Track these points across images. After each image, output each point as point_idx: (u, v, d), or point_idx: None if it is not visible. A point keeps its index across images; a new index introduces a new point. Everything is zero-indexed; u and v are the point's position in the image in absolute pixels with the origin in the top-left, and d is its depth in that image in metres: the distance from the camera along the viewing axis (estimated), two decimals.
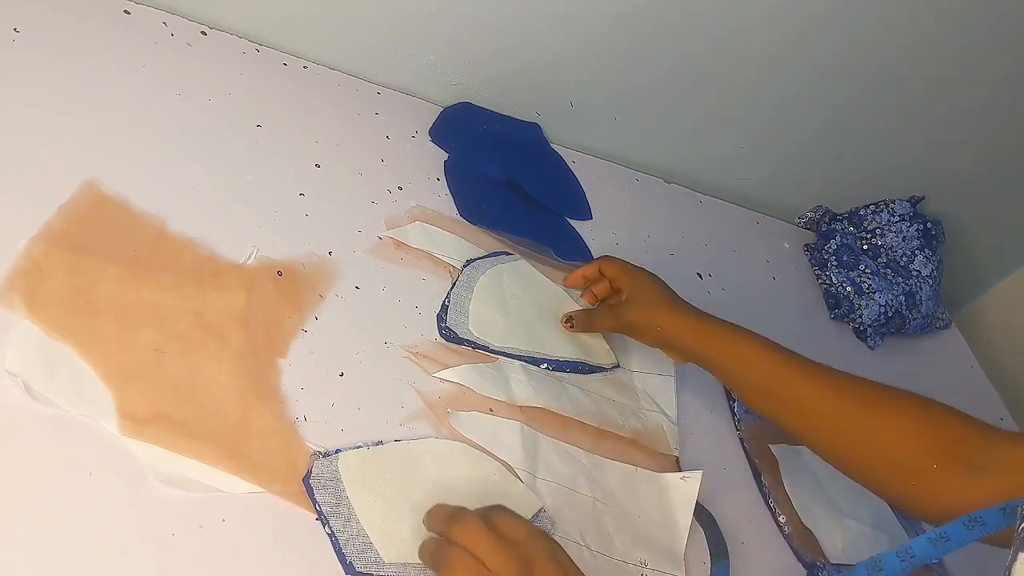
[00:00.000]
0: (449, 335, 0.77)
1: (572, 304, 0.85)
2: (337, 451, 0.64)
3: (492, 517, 0.57)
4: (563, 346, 0.82)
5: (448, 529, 0.57)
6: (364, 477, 0.63)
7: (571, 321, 0.82)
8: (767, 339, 0.74)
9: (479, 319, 0.79)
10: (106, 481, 0.55)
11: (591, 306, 0.85)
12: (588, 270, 0.84)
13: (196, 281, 0.67)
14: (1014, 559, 0.44)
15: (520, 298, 0.83)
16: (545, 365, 0.79)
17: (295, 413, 0.65)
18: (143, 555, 0.54)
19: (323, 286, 0.73)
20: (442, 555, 0.56)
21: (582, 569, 0.68)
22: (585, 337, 0.84)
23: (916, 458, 0.63)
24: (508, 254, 0.87)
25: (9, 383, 0.56)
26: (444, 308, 0.78)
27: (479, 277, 0.82)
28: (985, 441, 0.62)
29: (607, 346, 0.84)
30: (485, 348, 0.77)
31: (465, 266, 0.82)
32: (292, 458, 0.62)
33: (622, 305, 0.80)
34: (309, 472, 0.61)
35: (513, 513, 0.59)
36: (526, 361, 0.78)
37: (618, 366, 0.84)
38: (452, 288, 0.80)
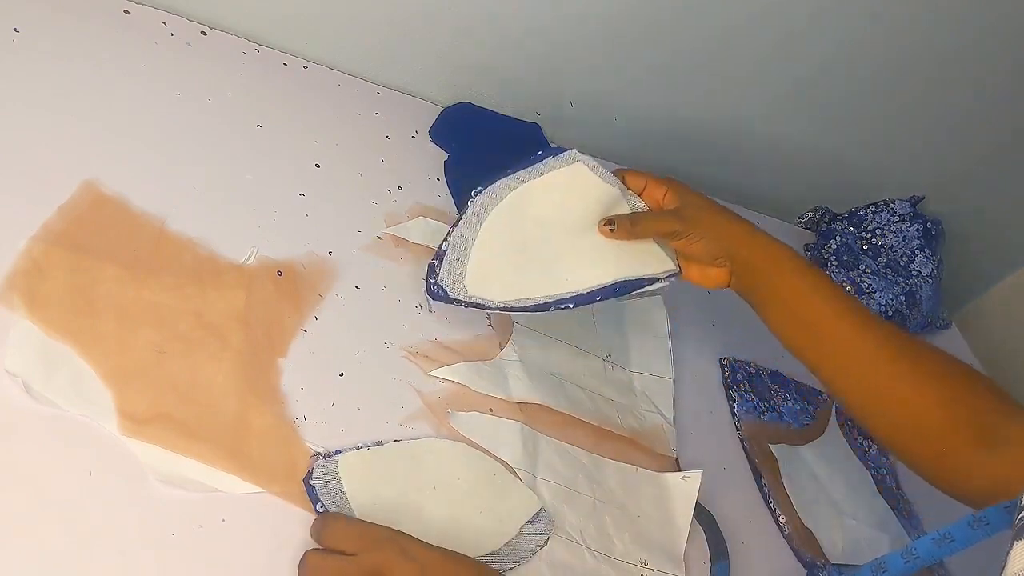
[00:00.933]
0: (438, 292, 0.69)
1: (624, 208, 0.74)
2: (337, 452, 0.64)
3: (323, 537, 0.57)
4: (604, 268, 0.71)
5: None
6: (364, 478, 0.63)
7: (612, 225, 0.71)
8: (825, 277, 0.72)
9: (478, 270, 0.69)
10: (106, 481, 0.55)
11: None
12: (656, 188, 0.75)
13: (196, 281, 0.67)
14: (1011, 546, 0.44)
15: (551, 225, 0.72)
16: (566, 305, 0.68)
17: (295, 413, 0.65)
18: (143, 555, 0.54)
19: (323, 286, 0.73)
20: None
21: (582, 570, 0.68)
22: (633, 245, 0.73)
23: (948, 424, 0.63)
24: (559, 151, 0.75)
25: (9, 383, 0.56)
26: (439, 255, 0.70)
27: (491, 210, 0.71)
28: (1014, 415, 0.62)
29: (662, 251, 0.74)
30: (481, 306, 0.69)
31: (477, 194, 0.72)
32: (292, 458, 0.62)
33: (678, 207, 0.73)
34: (310, 473, 0.61)
35: (346, 521, 0.59)
36: (539, 310, 0.69)
37: (678, 272, 0.74)
38: (453, 227, 0.71)
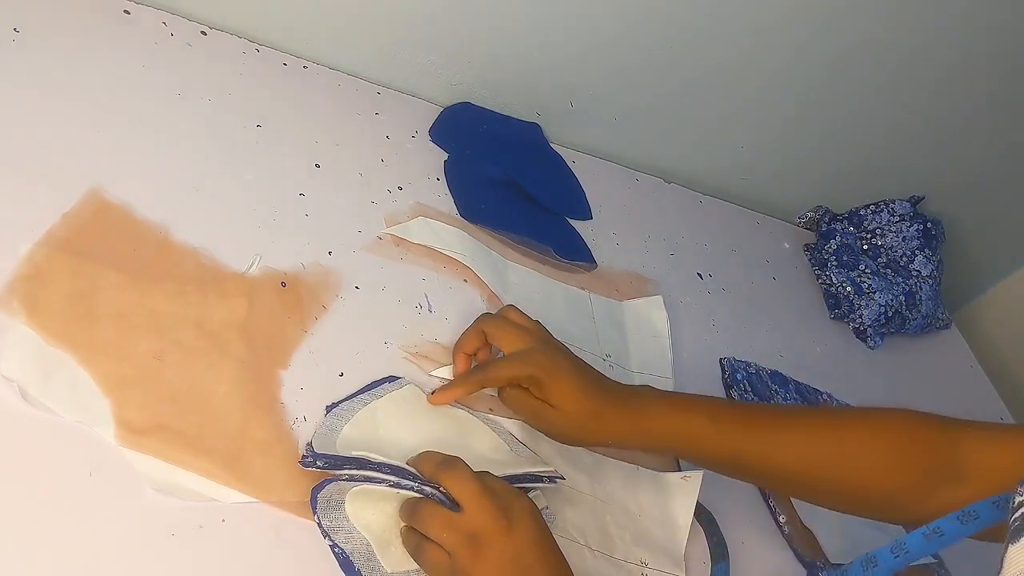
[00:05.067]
0: (315, 455, 0.62)
1: (480, 429, 0.70)
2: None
3: (481, 474, 0.60)
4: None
5: (439, 473, 0.59)
6: (366, 494, 0.62)
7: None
8: (704, 401, 0.69)
9: (347, 446, 0.64)
10: (106, 481, 0.55)
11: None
12: (467, 384, 0.69)
13: (198, 289, 0.67)
14: (1006, 549, 0.44)
15: (405, 445, 0.66)
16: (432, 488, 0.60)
17: (295, 414, 0.65)
18: (143, 556, 0.54)
19: (326, 297, 0.73)
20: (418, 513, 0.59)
21: (582, 570, 0.68)
22: (502, 455, 0.69)
23: (896, 483, 0.63)
24: (392, 379, 0.71)
25: (4, 388, 0.55)
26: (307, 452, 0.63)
27: (343, 426, 0.66)
28: (959, 444, 0.62)
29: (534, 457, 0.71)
30: (361, 462, 0.62)
31: (328, 411, 0.66)
32: (291, 471, 0.61)
33: (542, 411, 0.67)
34: (320, 486, 0.60)
35: (500, 479, 0.61)
36: (418, 481, 0.61)
37: (562, 476, 0.70)
38: (309, 443, 0.64)
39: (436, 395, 0.69)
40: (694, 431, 0.67)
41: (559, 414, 0.67)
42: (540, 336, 0.71)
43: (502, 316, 0.72)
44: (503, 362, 0.69)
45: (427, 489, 0.59)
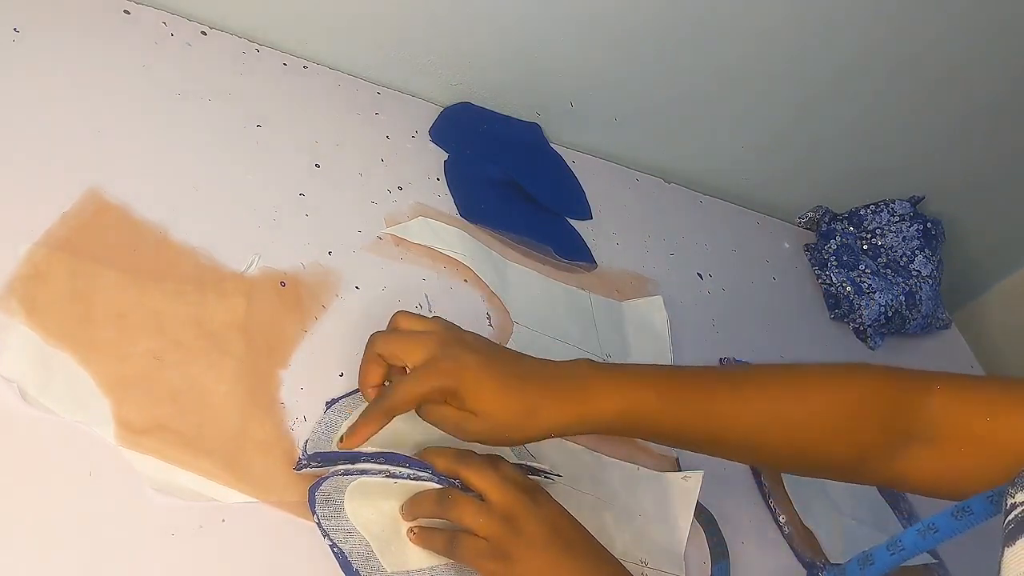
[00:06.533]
0: (311, 457, 0.62)
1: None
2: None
3: (495, 460, 0.63)
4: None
5: (457, 467, 0.61)
6: (363, 490, 0.62)
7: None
8: (649, 373, 0.62)
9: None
10: (106, 481, 0.55)
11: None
12: (372, 420, 0.59)
13: (197, 288, 0.66)
14: (1003, 552, 0.44)
15: (398, 434, 0.65)
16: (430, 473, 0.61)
17: (294, 414, 0.64)
18: (142, 555, 0.54)
19: (325, 296, 0.73)
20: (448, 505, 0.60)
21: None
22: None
23: (861, 444, 0.60)
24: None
25: (4, 388, 0.55)
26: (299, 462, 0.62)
27: (341, 423, 0.65)
28: (925, 400, 0.59)
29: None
30: (354, 454, 0.61)
31: (327, 407, 0.66)
32: (290, 470, 0.61)
33: (464, 423, 0.59)
34: (317, 484, 0.60)
35: (510, 463, 0.64)
36: (418, 468, 0.61)
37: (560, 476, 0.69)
38: (307, 441, 0.63)
39: (347, 440, 0.60)
40: (642, 409, 0.60)
41: (484, 421, 0.58)
42: (440, 338, 0.60)
43: (392, 329, 0.63)
44: (405, 383, 0.59)
45: (432, 479, 0.61)
